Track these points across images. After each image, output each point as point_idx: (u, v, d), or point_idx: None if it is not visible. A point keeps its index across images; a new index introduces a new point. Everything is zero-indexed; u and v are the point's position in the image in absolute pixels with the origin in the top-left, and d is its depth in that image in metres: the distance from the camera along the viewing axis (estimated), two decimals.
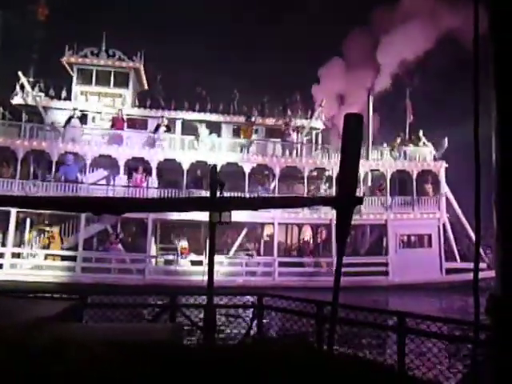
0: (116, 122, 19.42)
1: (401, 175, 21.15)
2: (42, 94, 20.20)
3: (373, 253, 20.64)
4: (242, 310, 6.49)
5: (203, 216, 17.06)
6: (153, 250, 19.08)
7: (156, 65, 23.04)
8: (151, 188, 18.55)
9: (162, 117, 19.96)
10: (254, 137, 21.00)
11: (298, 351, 2.53)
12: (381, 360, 4.73)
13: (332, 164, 20.08)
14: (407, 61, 26.00)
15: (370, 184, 21.38)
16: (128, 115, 20.35)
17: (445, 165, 21.07)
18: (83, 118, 20.10)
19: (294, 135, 21.32)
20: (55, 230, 18.10)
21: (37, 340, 2.40)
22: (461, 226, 21.06)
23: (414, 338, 4.82)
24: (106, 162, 18.82)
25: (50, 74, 21.21)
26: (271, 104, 22.50)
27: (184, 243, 18.48)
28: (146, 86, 23.24)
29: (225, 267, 18.16)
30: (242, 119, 20.93)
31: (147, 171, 18.81)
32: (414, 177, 20.74)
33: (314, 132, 22.50)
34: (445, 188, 21.08)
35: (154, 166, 18.69)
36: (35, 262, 17.16)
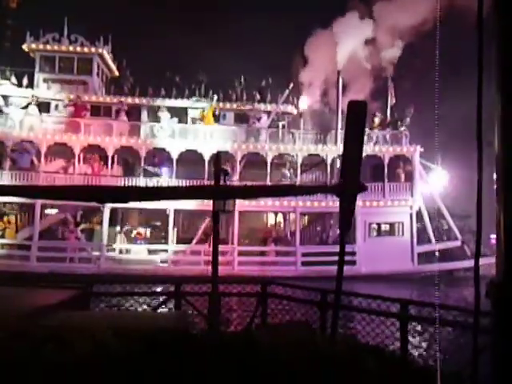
0: (76, 110, 19.67)
1: (375, 160, 20.73)
2: (6, 82, 20.64)
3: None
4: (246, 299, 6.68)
5: (170, 204, 17.06)
6: (118, 237, 19.26)
7: (126, 51, 23.27)
8: (110, 176, 18.78)
9: (121, 101, 20.09)
10: (222, 122, 21.04)
11: (302, 337, 2.62)
12: (383, 346, 4.78)
13: (297, 150, 19.88)
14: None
15: (337, 170, 21.01)
16: (91, 102, 20.60)
17: (419, 149, 20.52)
18: (46, 106, 20.49)
19: (263, 121, 21.17)
20: (11, 218, 18.57)
21: (43, 327, 2.47)
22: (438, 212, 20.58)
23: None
24: (64, 150, 19.12)
25: (13, 63, 21.62)
26: (250, 88, 22.34)
27: (140, 229, 18.72)
28: (116, 73, 23.43)
29: (188, 256, 18.35)
30: (205, 104, 20.88)
31: (104, 159, 19.05)
32: (386, 162, 20.29)
33: (286, 117, 22.26)
34: (421, 173, 20.58)
35: (110, 153, 18.90)
36: None
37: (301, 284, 6.89)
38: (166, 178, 18.93)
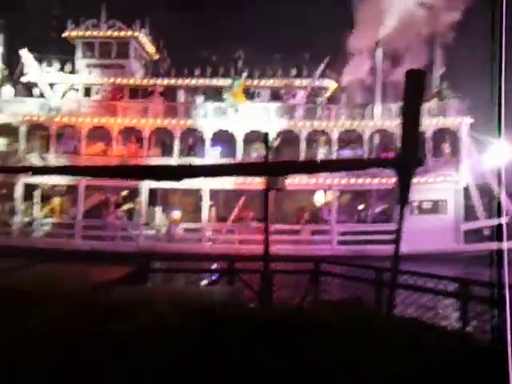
0: (112, 93, 20.46)
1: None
2: (52, 70, 21.81)
3: (382, 220, 19.86)
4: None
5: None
6: (158, 218, 19.94)
7: (164, 32, 23.71)
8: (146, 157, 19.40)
9: (155, 85, 20.59)
10: (257, 100, 21.02)
11: (358, 313, 2.67)
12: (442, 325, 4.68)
13: (332, 126, 19.43)
14: None
15: (376, 145, 20.35)
16: (128, 85, 21.32)
17: (468, 121, 19.29)
18: (87, 91, 21.50)
19: (299, 97, 20.86)
20: (57, 200, 19.83)
21: (107, 300, 2.72)
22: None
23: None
24: (103, 134, 19.98)
25: (59, 50, 22.73)
26: (285, 64, 22.03)
27: (176, 213, 19.33)
28: (155, 55, 23.93)
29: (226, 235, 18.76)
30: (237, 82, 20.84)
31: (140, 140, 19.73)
32: (429, 136, 19.32)
33: (324, 92, 21.75)
34: (470, 147, 19.40)
35: (145, 135, 19.53)
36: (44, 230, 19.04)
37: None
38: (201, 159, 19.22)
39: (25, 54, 20.68)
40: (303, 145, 19.33)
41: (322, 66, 20.91)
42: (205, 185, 17.83)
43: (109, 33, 21.76)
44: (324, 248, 18.19)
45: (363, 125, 19.38)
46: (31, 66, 20.67)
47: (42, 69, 21.12)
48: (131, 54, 22.17)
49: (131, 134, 19.90)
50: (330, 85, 21.72)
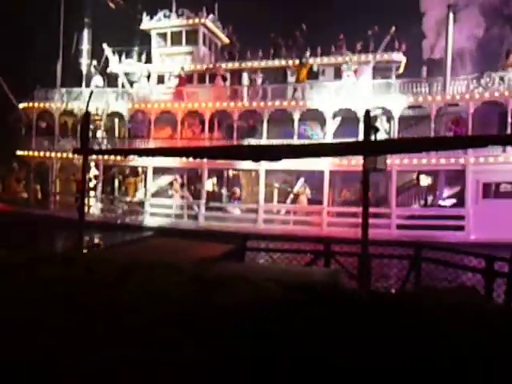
0: (180, 80, 22.14)
1: (494, 108, 18.20)
2: (130, 61, 24.30)
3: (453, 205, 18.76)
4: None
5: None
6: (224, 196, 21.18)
7: (233, 17, 24.83)
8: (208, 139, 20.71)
9: (220, 67, 21.74)
10: (321, 79, 21.09)
11: (469, 302, 2.53)
12: None
13: (391, 101, 18.72)
14: None
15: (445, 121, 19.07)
16: (196, 71, 22.87)
17: None
18: (161, 79, 23.53)
19: (365, 72, 20.41)
20: (132, 180, 22.06)
21: (212, 274, 2.93)
22: None
23: None
24: (171, 118, 21.73)
25: (138, 42, 25.15)
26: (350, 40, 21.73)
27: (236, 189, 20.40)
28: (225, 40, 25.17)
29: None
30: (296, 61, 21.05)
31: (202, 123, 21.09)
32: (510, 109, 17.65)
33: (393, 65, 20.94)
34: None
35: (206, 117, 20.83)
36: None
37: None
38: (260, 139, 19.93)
39: (106, 48, 23.32)
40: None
41: (388, 37, 20.17)
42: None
43: (178, 21, 23.44)
44: (380, 232, 17.77)
45: (430, 99, 18.36)
46: (111, 59, 23.25)
47: (122, 61, 23.59)
48: (200, 40, 23.61)
49: (194, 118, 21.32)
50: (401, 58, 20.81)
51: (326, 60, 21.45)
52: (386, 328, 2.08)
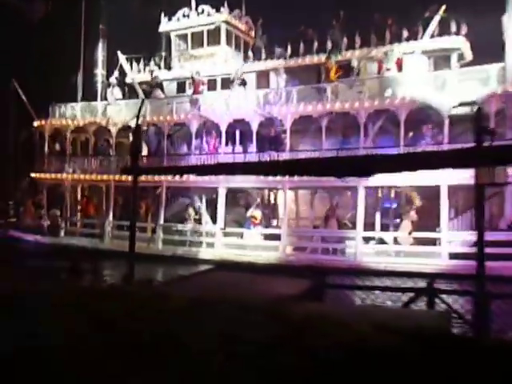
0: (194, 86, 20.60)
1: None
2: (155, 68, 23.23)
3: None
4: None
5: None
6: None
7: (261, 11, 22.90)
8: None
9: (238, 71, 19.91)
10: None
11: None
12: None
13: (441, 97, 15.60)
14: None
15: None
16: (214, 76, 21.24)
17: None
18: (182, 86, 22.22)
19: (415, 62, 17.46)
20: (143, 204, 20.86)
21: (295, 314, 2.81)
22: None
23: None
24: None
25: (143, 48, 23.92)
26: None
27: (256, 212, 18.30)
28: (251, 36, 23.28)
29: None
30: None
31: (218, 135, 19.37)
32: None
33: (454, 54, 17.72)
34: None
35: (223, 129, 19.06)
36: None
37: None
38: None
39: (121, 56, 22.45)
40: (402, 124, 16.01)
41: (437, 18, 17.03)
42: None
43: (198, 20, 21.97)
44: (428, 262, 14.87)
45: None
46: (126, 68, 22.33)
47: (137, 68, 22.61)
48: (223, 39, 21.97)
49: (210, 129, 19.66)
50: (460, 44, 17.52)
51: (364, 52, 18.71)
52: None
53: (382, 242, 16.36)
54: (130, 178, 18.96)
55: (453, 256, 14.79)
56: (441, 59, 17.97)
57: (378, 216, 17.93)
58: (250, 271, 7.24)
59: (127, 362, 2.08)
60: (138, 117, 8.35)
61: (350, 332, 2.38)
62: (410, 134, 16.62)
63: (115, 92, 22.51)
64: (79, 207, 21.07)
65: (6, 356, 2.14)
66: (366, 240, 16.56)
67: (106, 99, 22.58)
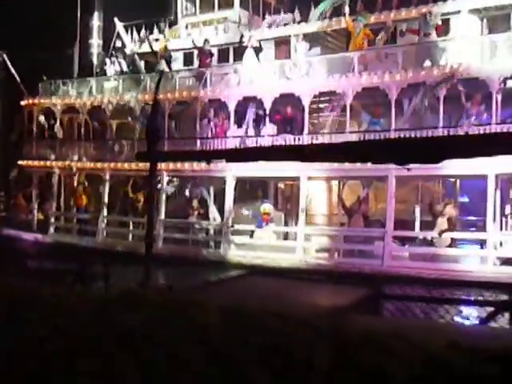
0: (201, 58, 18.27)
1: None
2: (160, 37, 20.94)
3: None
4: None
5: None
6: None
7: None
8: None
9: (250, 37, 17.34)
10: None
11: None
12: None
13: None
14: None
15: None
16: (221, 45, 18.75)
17: None
18: (190, 57, 19.91)
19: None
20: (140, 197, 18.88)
21: (347, 328, 2.56)
22: None
23: None
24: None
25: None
26: None
27: (267, 206, 16.03)
28: None
29: None
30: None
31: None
32: None
33: None
34: None
35: (231, 107, 16.67)
36: None
37: None
38: None
39: (118, 24, 20.25)
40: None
41: None
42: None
43: None
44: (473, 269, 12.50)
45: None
46: (124, 37, 20.13)
47: (137, 38, 20.39)
48: (236, 1, 19.42)
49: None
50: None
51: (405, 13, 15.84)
52: None
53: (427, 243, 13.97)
54: (127, 165, 17.81)
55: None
56: (496, 20, 14.95)
57: (417, 211, 15.51)
58: (285, 277, 6.87)
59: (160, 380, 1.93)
60: (156, 91, 7.82)
61: (419, 351, 2.19)
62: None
63: (116, 66, 20.42)
64: (73, 200, 19.24)
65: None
66: (402, 241, 14.19)
67: (105, 74, 20.54)
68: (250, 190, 18.26)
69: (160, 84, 9.62)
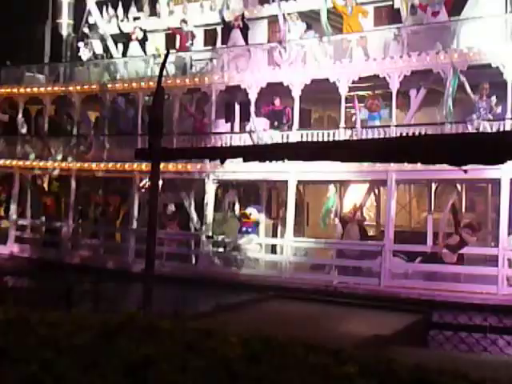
0: (180, 40, 16.41)
1: None
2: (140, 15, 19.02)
3: None
4: None
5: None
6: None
7: None
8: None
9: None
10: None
11: None
12: None
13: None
14: None
15: None
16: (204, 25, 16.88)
17: None
18: (172, 39, 17.97)
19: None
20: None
21: (395, 367, 2.29)
22: None
23: None
24: None
25: None
26: None
27: (249, 210, 14.47)
28: None
29: None
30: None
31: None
32: None
33: None
34: None
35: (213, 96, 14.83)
36: None
37: None
38: None
39: (89, 1, 18.34)
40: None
41: None
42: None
43: None
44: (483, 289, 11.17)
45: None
46: (96, 15, 18.23)
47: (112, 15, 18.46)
48: None
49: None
50: None
51: None
52: None
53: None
54: (95, 165, 16.00)
55: None
56: None
57: (429, 220, 13.57)
58: (313, 299, 6.46)
59: None
60: (160, 76, 6.27)
61: None
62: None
63: (89, 48, 18.53)
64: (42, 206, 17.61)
65: None
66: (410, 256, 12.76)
67: (79, 58, 18.67)
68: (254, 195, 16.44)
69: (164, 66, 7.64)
